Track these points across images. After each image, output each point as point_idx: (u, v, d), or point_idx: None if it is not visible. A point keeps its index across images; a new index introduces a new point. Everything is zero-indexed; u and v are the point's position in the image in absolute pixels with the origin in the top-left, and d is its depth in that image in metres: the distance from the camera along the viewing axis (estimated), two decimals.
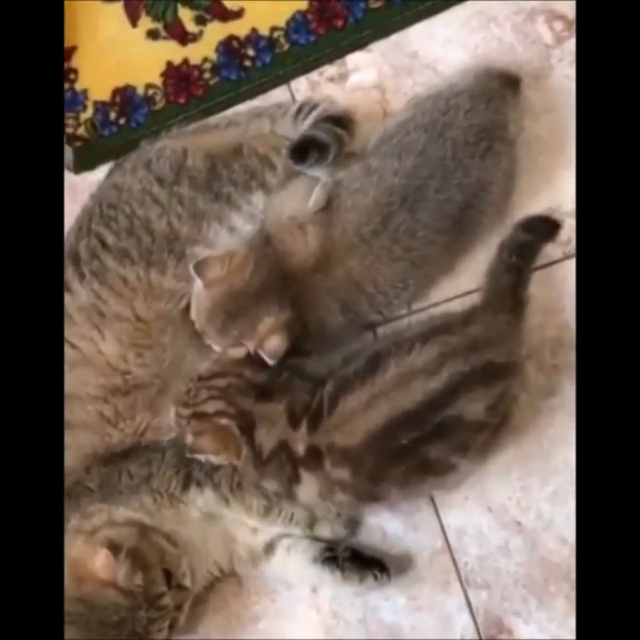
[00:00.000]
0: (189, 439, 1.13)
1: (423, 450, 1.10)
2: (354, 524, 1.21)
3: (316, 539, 1.19)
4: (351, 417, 1.10)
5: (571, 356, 1.22)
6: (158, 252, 1.23)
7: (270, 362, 1.15)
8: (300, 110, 1.32)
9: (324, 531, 1.19)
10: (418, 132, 1.20)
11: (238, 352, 1.17)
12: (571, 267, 1.25)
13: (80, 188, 1.39)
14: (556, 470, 1.19)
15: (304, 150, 1.24)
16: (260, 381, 1.16)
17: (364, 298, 1.20)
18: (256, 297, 1.17)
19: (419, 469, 1.11)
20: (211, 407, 1.13)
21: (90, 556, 1.12)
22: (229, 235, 1.25)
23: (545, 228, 1.27)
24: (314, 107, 1.31)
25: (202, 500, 1.18)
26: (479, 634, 1.17)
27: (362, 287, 1.20)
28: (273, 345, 1.16)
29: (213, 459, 1.14)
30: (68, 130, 1.46)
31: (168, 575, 1.15)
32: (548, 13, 1.33)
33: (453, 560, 1.20)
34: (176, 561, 1.16)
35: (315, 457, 1.10)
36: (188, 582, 1.16)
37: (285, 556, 1.20)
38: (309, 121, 1.29)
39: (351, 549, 1.18)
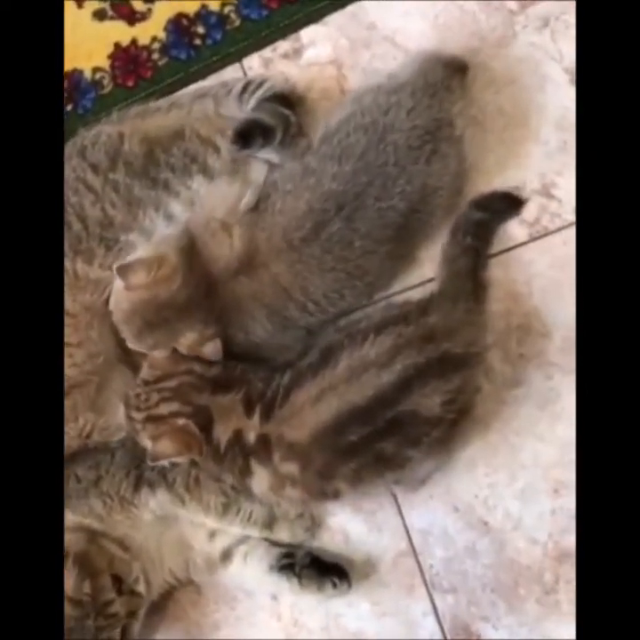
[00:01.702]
0: (149, 445, 1.09)
1: (376, 446, 1.04)
2: (314, 526, 1.16)
3: (275, 542, 1.15)
4: (300, 410, 1.06)
5: (538, 345, 1.16)
6: (88, 240, 1.18)
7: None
8: (245, 89, 1.25)
9: (283, 532, 1.15)
10: (358, 133, 1.12)
11: (161, 353, 1.12)
12: (538, 249, 1.18)
13: None
14: (523, 466, 1.14)
15: (248, 135, 1.17)
16: (214, 374, 1.11)
17: (293, 305, 1.13)
18: (180, 312, 1.11)
19: (372, 466, 1.06)
20: (164, 409, 1.09)
21: None
22: (166, 222, 1.19)
23: (502, 205, 1.20)
24: (259, 85, 1.25)
25: (154, 501, 1.14)
26: None
27: (290, 294, 1.13)
28: (210, 350, 1.11)
29: (176, 460, 1.09)
30: None
31: (118, 581, 1.11)
32: None
33: (418, 563, 1.15)
34: (126, 566, 1.13)
35: (264, 447, 1.06)
36: (140, 588, 1.12)
37: (242, 563, 1.15)
38: (254, 100, 1.22)
39: (310, 556, 1.13)
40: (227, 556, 1.16)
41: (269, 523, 1.15)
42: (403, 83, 1.14)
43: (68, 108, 1.39)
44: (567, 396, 1.13)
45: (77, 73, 1.40)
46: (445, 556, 1.14)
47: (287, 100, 1.23)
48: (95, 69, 1.40)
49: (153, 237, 1.18)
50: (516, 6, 1.25)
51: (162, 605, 1.19)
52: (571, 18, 1.21)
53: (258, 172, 1.21)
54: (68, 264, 1.16)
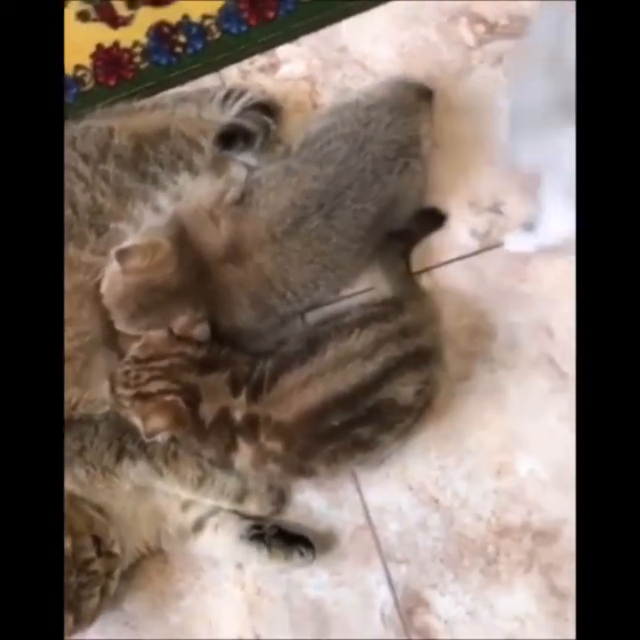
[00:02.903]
0: (139, 423, 1.13)
1: (355, 431, 1.14)
2: (281, 500, 1.24)
3: (244, 514, 1.22)
4: (288, 394, 1.14)
5: (484, 343, 1.28)
6: (79, 225, 1.23)
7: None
8: (227, 96, 1.35)
9: (253, 505, 1.22)
10: (339, 141, 1.23)
11: (160, 334, 1.17)
12: (487, 258, 1.31)
13: None
14: (469, 451, 1.25)
15: (230, 138, 1.27)
16: (202, 356, 1.17)
17: (275, 294, 1.22)
18: (172, 296, 1.18)
19: (348, 449, 1.15)
20: (154, 387, 1.14)
21: None
22: (154, 214, 1.26)
23: (432, 219, 1.33)
24: (241, 93, 1.35)
25: (134, 472, 1.19)
26: (398, 607, 1.22)
27: (272, 283, 1.21)
28: (198, 332, 1.18)
29: (167, 434, 1.14)
30: None
31: (97, 542, 1.16)
32: (470, 16, 1.39)
33: (374, 536, 1.24)
34: (105, 529, 1.18)
35: (251, 426, 1.13)
36: (117, 550, 1.18)
37: (213, 533, 1.22)
38: (237, 108, 1.32)
39: (277, 527, 1.21)
40: (199, 526, 1.22)
41: (241, 496, 1.22)
42: (380, 100, 1.25)
43: None
44: (508, 388, 1.26)
45: None
46: (399, 530, 1.24)
47: (268, 109, 1.33)
48: (77, 67, 1.45)
49: (141, 227, 1.24)
50: (474, 42, 1.39)
51: (129, 574, 1.23)
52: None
53: (238, 172, 1.31)
54: None
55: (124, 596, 1.24)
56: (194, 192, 1.25)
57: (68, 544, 1.12)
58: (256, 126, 1.30)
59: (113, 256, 1.15)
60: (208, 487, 1.21)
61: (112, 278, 1.18)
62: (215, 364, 1.17)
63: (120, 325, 1.19)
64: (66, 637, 1.15)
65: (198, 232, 1.20)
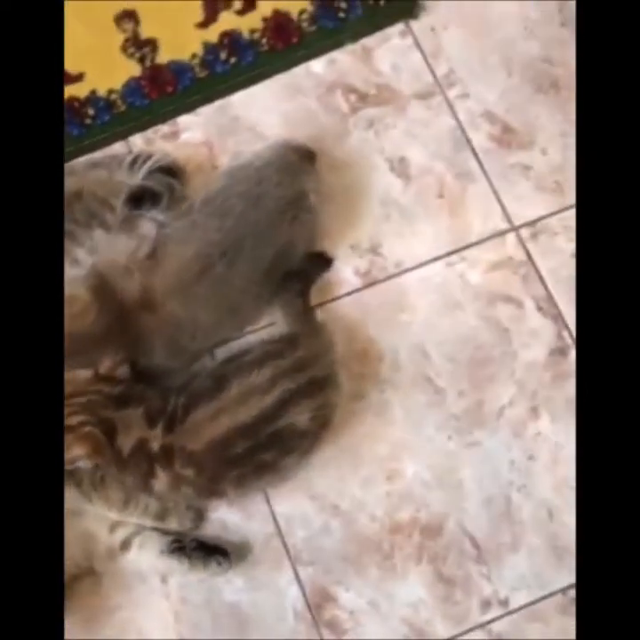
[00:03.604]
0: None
1: (257, 457, 1.30)
2: (199, 517, 1.38)
3: (166, 531, 1.35)
4: (198, 426, 1.29)
5: (374, 366, 1.46)
6: None
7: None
8: (134, 161, 1.51)
9: (173, 522, 1.35)
10: (236, 198, 1.40)
11: (86, 374, 1.29)
12: (370, 293, 1.51)
13: None
14: (364, 460, 1.42)
15: (139, 198, 1.44)
16: (117, 393, 1.29)
17: (186, 335, 1.37)
18: (96, 341, 1.31)
19: (253, 473, 1.32)
20: (74, 420, 1.25)
21: None
22: (71, 266, 1.39)
23: (320, 261, 1.51)
24: (147, 158, 1.51)
25: (65, 497, 1.29)
26: (308, 603, 1.36)
27: (183, 326, 1.36)
28: (121, 373, 1.31)
29: (85, 463, 1.25)
30: None
31: None
32: (344, 87, 1.61)
33: (283, 542, 1.38)
34: None
35: (167, 455, 1.27)
36: None
37: (139, 550, 1.34)
38: (144, 171, 1.48)
39: (197, 540, 1.35)
40: (126, 545, 1.34)
41: (162, 514, 1.34)
42: (268, 162, 1.44)
43: None
44: (394, 404, 1.44)
45: None
46: (305, 535, 1.38)
47: (172, 171, 1.51)
48: None
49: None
50: (348, 110, 1.60)
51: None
52: (389, 120, 1.60)
53: (148, 228, 1.47)
54: None
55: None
56: (109, 248, 1.40)
57: None
58: (161, 187, 1.48)
59: None
60: (132, 508, 1.33)
61: None
62: (129, 400, 1.30)
63: None
64: None
65: (116, 284, 1.34)
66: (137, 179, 1.49)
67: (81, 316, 1.30)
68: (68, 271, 1.38)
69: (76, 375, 1.29)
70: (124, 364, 1.31)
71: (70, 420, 1.26)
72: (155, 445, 1.28)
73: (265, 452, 1.30)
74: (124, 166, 1.51)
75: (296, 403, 1.31)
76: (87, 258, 1.41)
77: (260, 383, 1.31)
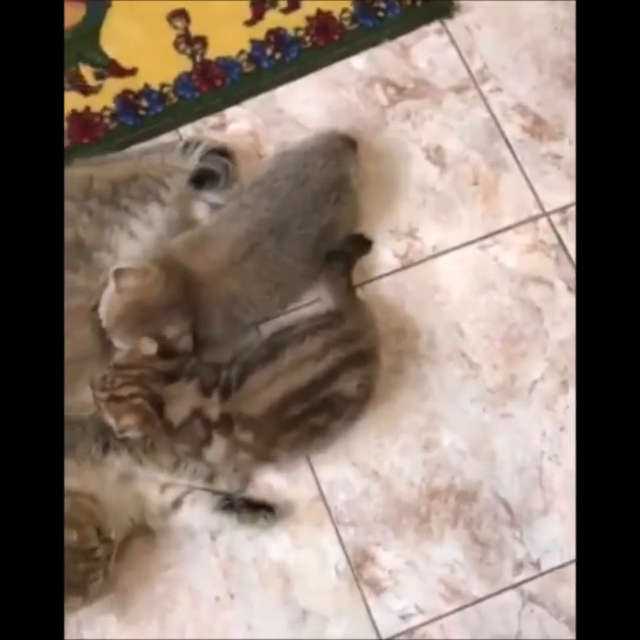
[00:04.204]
0: (113, 422, 1.33)
1: (310, 420, 1.39)
2: (246, 480, 1.46)
3: (215, 491, 1.43)
4: (255, 392, 1.37)
5: (410, 342, 1.55)
6: (70, 257, 1.43)
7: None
8: (186, 146, 1.60)
9: (222, 484, 1.43)
10: (284, 181, 1.49)
11: (150, 348, 1.37)
12: (407, 274, 1.59)
13: None
14: (403, 430, 1.49)
15: (201, 179, 1.54)
16: (168, 370, 1.38)
17: (239, 308, 1.47)
18: (164, 310, 1.40)
19: (306, 436, 1.40)
20: (125, 391, 1.34)
21: None
22: (129, 239, 1.48)
23: (361, 244, 1.60)
24: (198, 143, 1.61)
25: (119, 461, 1.39)
26: (349, 562, 1.44)
27: (237, 300, 1.46)
28: (183, 344, 1.42)
29: (134, 433, 1.34)
30: None
31: (98, 531, 1.34)
32: (383, 82, 1.71)
33: (326, 505, 1.46)
34: (102, 519, 1.35)
35: (226, 422, 1.36)
36: (113, 536, 1.35)
37: (190, 508, 1.42)
38: (199, 152, 1.58)
39: (244, 499, 1.43)
40: (177, 504, 1.42)
41: (210, 477, 1.43)
42: (314, 148, 1.53)
43: None
44: (431, 378, 1.52)
45: None
46: (347, 499, 1.46)
47: (223, 152, 1.60)
48: None
49: (119, 254, 1.47)
50: (387, 102, 1.70)
51: (119, 553, 1.42)
52: (426, 112, 1.69)
53: (202, 210, 1.57)
54: None
55: (117, 573, 1.42)
56: (165, 222, 1.50)
57: (74, 536, 1.30)
58: (218, 167, 1.57)
59: (111, 274, 1.38)
60: (182, 470, 1.42)
61: (110, 301, 1.40)
62: (180, 375, 1.38)
63: (118, 341, 1.40)
64: (74, 614, 1.37)
65: (180, 260, 1.44)
66: (191, 161, 1.58)
67: (152, 287, 1.39)
68: (126, 244, 1.48)
69: (136, 344, 1.38)
70: (188, 335, 1.41)
71: (122, 391, 1.34)
72: (213, 413, 1.36)
73: (317, 415, 1.38)
74: (176, 151, 1.60)
75: (345, 371, 1.39)
76: (143, 231, 1.49)
77: (312, 351, 1.39)
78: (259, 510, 1.42)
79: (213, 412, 1.36)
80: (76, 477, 1.38)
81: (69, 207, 1.48)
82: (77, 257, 1.46)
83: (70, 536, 1.30)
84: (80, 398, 1.41)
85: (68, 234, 1.46)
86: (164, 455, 1.42)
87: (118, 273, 1.38)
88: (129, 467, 1.41)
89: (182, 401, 1.37)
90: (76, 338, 1.43)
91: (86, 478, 1.39)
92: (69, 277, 1.43)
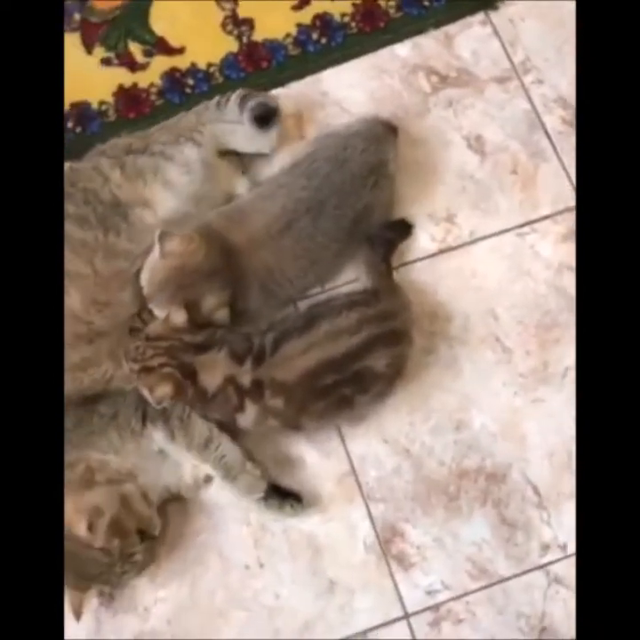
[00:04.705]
0: (148, 394, 1.36)
1: (340, 391, 1.41)
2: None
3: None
4: (290, 359, 1.39)
5: (443, 325, 1.57)
6: (111, 218, 1.46)
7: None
8: (219, 102, 1.62)
9: (241, 484, 1.42)
10: (323, 161, 1.52)
11: (180, 317, 1.39)
12: (444, 259, 1.61)
13: None
14: (434, 409, 1.52)
15: (265, 116, 1.58)
16: (198, 341, 1.40)
17: (275, 282, 1.49)
18: (205, 277, 1.43)
19: (334, 406, 1.42)
20: (156, 361, 1.37)
21: (75, 523, 1.31)
22: (164, 189, 1.49)
23: (402, 228, 1.62)
24: (229, 95, 1.62)
25: (157, 435, 1.41)
26: (378, 537, 1.46)
27: (273, 274, 1.49)
28: (220, 317, 1.44)
29: (170, 403, 1.37)
30: None
31: (142, 532, 1.36)
32: (427, 69, 1.73)
33: (357, 480, 1.49)
34: (149, 521, 1.38)
35: (258, 388, 1.38)
36: (157, 532, 1.38)
37: (221, 484, 1.44)
38: (233, 101, 1.59)
39: (274, 485, 1.44)
40: (208, 479, 1.44)
41: (234, 473, 1.42)
42: (356, 131, 1.56)
43: (78, 130, 1.70)
44: (463, 360, 1.54)
45: (85, 104, 1.72)
46: (377, 475, 1.48)
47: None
48: (101, 102, 1.72)
49: (157, 208, 1.48)
50: (430, 90, 1.72)
51: None
52: (468, 101, 1.72)
53: (242, 186, 1.60)
54: (101, 238, 1.44)
55: None
56: (206, 171, 1.53)
57: (116, 543, 1.33)
58: (274, 102, 1.61)
59: (155, 238, 1.40)
60: (211, 451, 1.41)
61: (153, 266, 1.43)
62: (210, 345, 1.40)
63: (157, 308, 1.43)
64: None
65: (220, 231, 1.47)
66: (230, 111, 1.59)
67: (195, 253, 1.42)
68: (162, 195, 1.50)
69: (167, 318, 1.40)
70: (225, 308, 1.43)
71: (151, 362, 1.37)
72: (245, 380, 1.39)
73: (347, 386, 1.40)
74: (210, 108, 1.61)
75: (378, 347, 1.42)
76: (180, 177, 1.51)
77: (347, 325, 1.41)
78: (287, 498, 1.44)
79: (246, 379, 1.39)
80: (116, 454, 1.40)
81: (104, 163, 1.50)
82: (116, 216, 1.47)
83: (112, 543, 1.33)
84: (122, 370, 1.43)
85: (104, 194, 1.48)
86: (198, 429, 1.43)
87: (162, 237, 1.41)
88: (162, 444, 1.42)
89: (215, 369, 1.39)
90: (118, 304, 1.46)
91: (127, 452, 1.40)
92: (111, 240, 1.45)
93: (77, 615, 1.36)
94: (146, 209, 1.49)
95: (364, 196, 1.52)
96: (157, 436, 1.42)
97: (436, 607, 1.43)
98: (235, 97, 1.60)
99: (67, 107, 1.72)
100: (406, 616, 1.42)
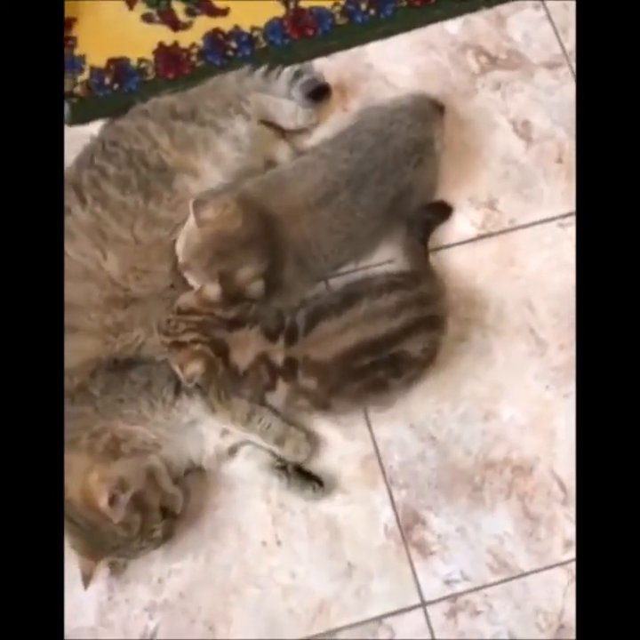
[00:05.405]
0: (178, 370, 1.32)
1: (375, 373, 1.37)
2: (314, 448, 1.44)
3: (273, 452, 1.42)
4: (326, 338, 1.35)
5: (478, 313, 1.54)
6: (154, 183, 1.42)
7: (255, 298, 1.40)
8: (268, 72, 1.59)
9: (289, 448, 1.41)
10: (367, 134, 1.47)
11: (214, 290, 1.35)
12: (483, 244, 1.58)
13: (73, 138, 1.56)
14: (463, 398, 1.49)
15: (317, 92, 1.59)
16: (230, 317, 1.36)
17: (310, 255, 1.45)
18: (242, 245, 1.39)
19: (367, 389, 1.38)
20: (187, 337, 1.33)
21: (99, 494, 1.28)
22: (215, 163, 1.46)
23: (442, 210, 1.59)
24: (280, 69, 1.60)
25: (193, 408, 1.38)
26: (399, 523, 1.44)
27: (309, 246, 1.44)
28: (256, 288, 1.40)
29: (201, 380, 1.33)
30: (66, 88, 1.66)
31: (164, 510, 1.34)
32: (476, 49, 1.69)
33: (380, 464, 1.46)
34: (172, 498, 1.36)
35: (290, 367, 1.34)
36: (178, 510, 1.36)
37: (244, 459, 1.42)
38: (284, 77, 1.58)
39: (298, 466, 1.42)
40: (233, 451, 1.41)
41: (281, 438, 1.41)
42: (404, 106, 1.51)
43: (115, 86, 1.66)
44: (496, 350, 1.51)
45: (124, 60, 1.68)
46: (402, 460, 1.46)
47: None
48: (140, 60, 1.68)
49: (202, 178, 1.45)
50: (478, 70, 1.68)
51: None
52: (516, 85, 1.67)
53: (283, 153, 1.57)
54: (142, 204, 1.40)
55: None
56: (254, 141, 1.50)
57: (137, 518, 1.30)
58: (324, 81, 1.60)
59: (190, 206, 1.36)
60: (254, 424, 1.39)
61: (189, 234, 1.39)
62: (243, 322, 1.36)
63: (194, 275, 1.39)
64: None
65: (258, 200, 1.43)
66: (279, 85, 1.59)
67: (231, 220, 1.38)
68: (211, 167, 1.47)
69: (200, 294, 1.36)
70: (260, 280, 1.39)
71: (184, 337, 1.33)
72: (278, 358, 1.35)
73: (382, 369, 1.37)
74: (255, 76, 1.59)
75: (416, 332, 1.38)
76: (230, 152, 1.48)
77: (387, 307, 1.38)
78: (310, 480, 1.41)
79: (279, 357, 1.35)
80: (144, 424, 1.37)
81: (152, 128, 1.46)
82: (159, 182, 1.43)
83: (133, 518, 1.30)
84: (153, 338, 1.40)
85: (151, 158, 1.45)
86: (239, 404, 1.40)
87: (197, 204, 1.37)
88: (201, 413, 1.39)
89: (247, 347, 1.36)
90: (156, 274, 1.42)
91: (155, 422, 1.37)
92: (151, 208, 1.42)
93: (86, 582, 1.33)
94: (193, 178, 1.45)
95: (408, 173, 1.48)
96: (193, 409, 1.39)
97: (453, 597, 1.41)
98: (288, 71, 1.58)
99: (105, 62, 1.68)
100: (423, 604, 1.40)
